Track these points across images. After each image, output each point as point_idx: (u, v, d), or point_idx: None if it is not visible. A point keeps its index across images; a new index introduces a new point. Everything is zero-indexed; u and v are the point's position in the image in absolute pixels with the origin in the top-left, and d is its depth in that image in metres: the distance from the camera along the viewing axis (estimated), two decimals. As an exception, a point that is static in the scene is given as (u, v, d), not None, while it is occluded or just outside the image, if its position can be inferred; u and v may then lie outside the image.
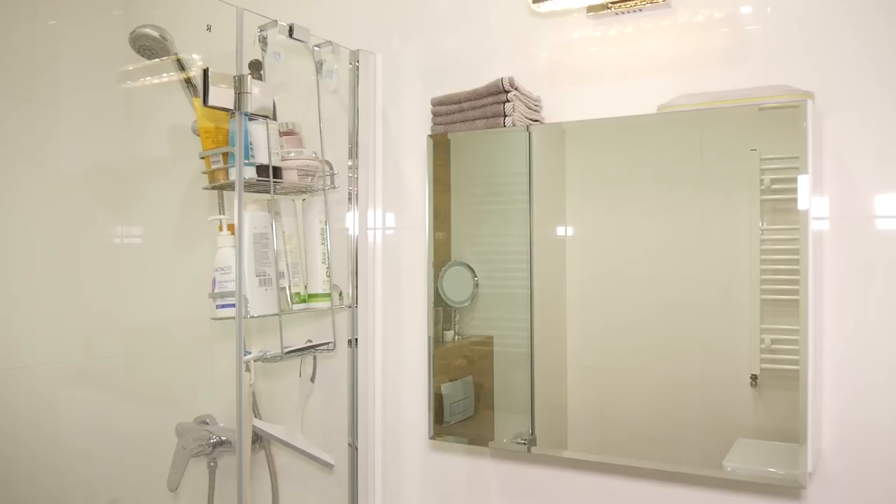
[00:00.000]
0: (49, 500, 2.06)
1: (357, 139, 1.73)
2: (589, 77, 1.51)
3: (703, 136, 1.35)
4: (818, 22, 1.31)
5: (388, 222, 1.76)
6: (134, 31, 1.79)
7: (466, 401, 1.62)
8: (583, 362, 1.50)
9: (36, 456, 2.03)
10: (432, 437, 1.58)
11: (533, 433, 1.51)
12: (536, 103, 1.51)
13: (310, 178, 1.65)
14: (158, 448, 2.09)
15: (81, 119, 2.14)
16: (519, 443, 1.51)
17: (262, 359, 1.56)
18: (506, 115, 1.43)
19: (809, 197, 1.19)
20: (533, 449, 1.50)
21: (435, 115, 1.54)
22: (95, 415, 2.17)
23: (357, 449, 1.74)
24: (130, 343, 2.23)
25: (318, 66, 1.70)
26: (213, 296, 1.53)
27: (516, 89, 1.45)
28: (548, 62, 1.55)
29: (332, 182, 1.71)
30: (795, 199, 1.21)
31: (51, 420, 2.07)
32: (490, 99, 1.45)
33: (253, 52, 1.58)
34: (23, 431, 2.01)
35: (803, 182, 1.20)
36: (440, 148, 1.56)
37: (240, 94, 1.44)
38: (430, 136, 1.55)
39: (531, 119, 1.49)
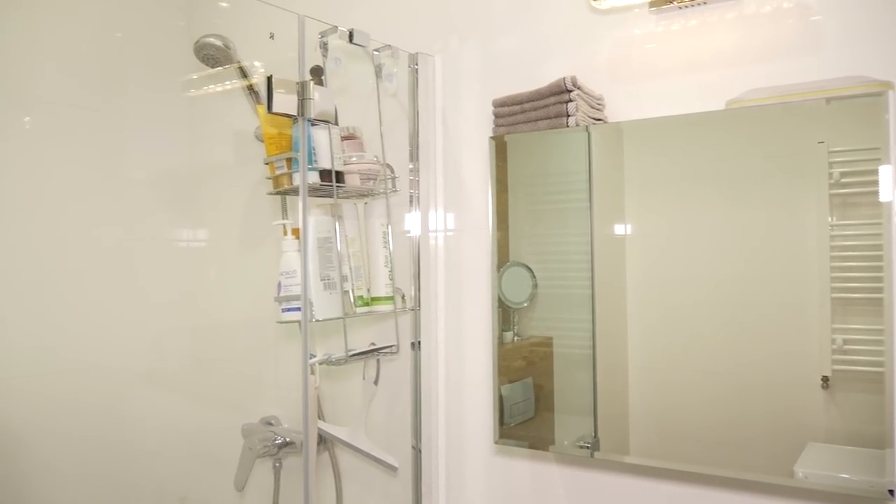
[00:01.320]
0: (121, 497, 2.12)
1: (417, 142, 1.73)
2: (652, 73, 1.48)
3: (766, 129, 1.31)
4: (891, 8, 1.26)
5: (449, 224, 1.76)
6: (198, 41, 1.83)
7: (526, 403, 1.60)
8: (644, 363, 1.47)
9: (109, 454, 2.09)
10: (497, 442, 1.57)
11: (596, 436, 1.49)
12: (599, 102, 1.49)
13: (371, 181, 1.66)
14: (225, 448, 2.13)
15: (148, 127, 2.19)
16: (582, 446, 1.49)
17: (327, 362, 1.57)
18: (569, 115, 1.42)
19: (894, 188, 1.14)
20: (596, 454, 1.48)
21: (497, 116, 1.53)
22: (164, 415, 2.22)
23: (420, 451, 1.74)
24: (197, 345, 2.27)
25: (378, 69, 1.71)
26: (279, 300, 1.54)
27: (579, 88, 1.43)
28: (609, 59, 1.53)
29: (394, 185, 1.71)
30: (869, 192, 1.16)
31: (122, 420, 2.12)
32: (553, 99, 1.44)
33: (314, 58, 1.59)
34: (96, 431, 2.07)
35: (885, 173, 1.15)
36: (497, 148, 1.55)
37: (302, 100, 1.46)
38: (492, 137, 1.55)
39: (594, 118, 1.47)
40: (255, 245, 2.12)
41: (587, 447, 1.48)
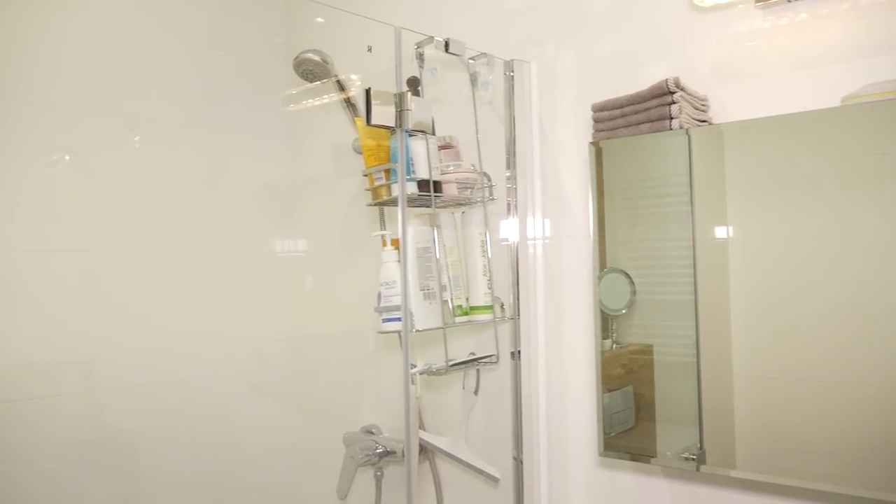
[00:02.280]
0: (227, 503, 2.18)
1: (514, 149, 1.72)
2: (759, 72, 1.41)
3: (880, 126, 1.23)
4: None
5: (547, 231, 1.73)
6: (297, 57, 1.87)
7: (626, 412, 1.56)
8: (749, 371, 1.40)
9: (215, 461, 2.16)
10: (602, 454, 1.53)
11: (702, 448, 1.42)
12: (703, 103, 1.44)
13: (469, 190, 1.65)
14: (327, 456, 2.16)
15: (250, 142, 2.26)
16: (687, 458, 1.43)
17: (428, 372, 1.57)
18: (672, 118, 1.37)
19: None
20: (702, 467, 1.42)
21: (596, 121, 1.50)
22: (268, 423, 2.28)
23: (522, 462, 1.72)
24: (298, 354, 2.32)
25: (473, 78, 1.71)
26: (379, 310, 1.55)
27: (682, 90, 1.38)
28: (712, 59, 1.47)
29: (491, 193, 1.70)
30: None
31: (228, 427, 2.19)
32: (655, 101, 1.39)
33: (410, 69, 1.60)
34: (204, 437, 2.14)
35: None
36: (596, 153, 1.52)
37: (400, 111, 1.46)
38: (591, 143, 1.51)
39: (698, 120, 1.42)
40: (353, 256, 2.14)
41: (692, 459, 1.43)
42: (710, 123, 1.43)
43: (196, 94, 2.16)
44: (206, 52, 2.20)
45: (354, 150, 1.96)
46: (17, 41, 1.83)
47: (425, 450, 1.86)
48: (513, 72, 1.72)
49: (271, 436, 2.28)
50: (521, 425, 1.72)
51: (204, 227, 2.15)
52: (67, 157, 1.91)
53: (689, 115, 1.39)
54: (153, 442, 2.04)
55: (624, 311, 1.54)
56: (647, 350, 1.52)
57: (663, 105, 1.38)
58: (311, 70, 1.87)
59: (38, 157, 1.86)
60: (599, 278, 1.54)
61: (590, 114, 1.53)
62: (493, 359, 1.70)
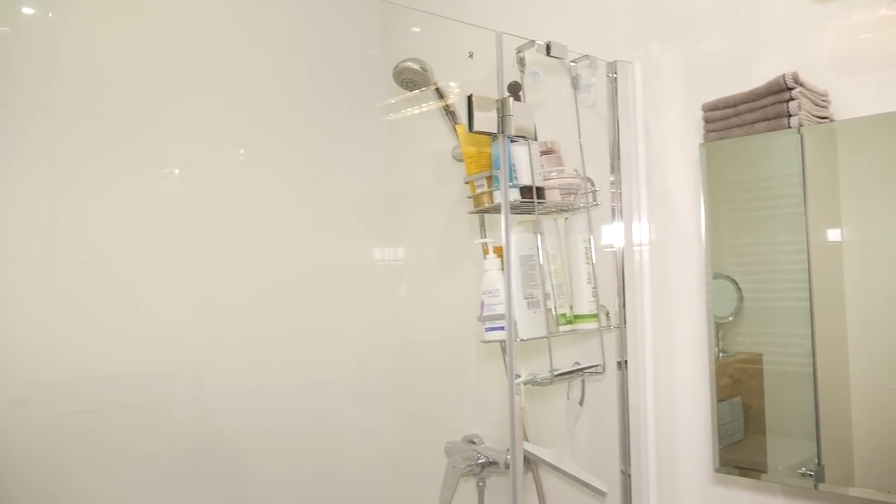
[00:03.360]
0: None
1: (618, 153, 1.67)
2: (884, 64, 1.32)
3: None
4: None
5: (654, 237, 1.67)
6: (397, 66, 1.88)
7: (734, 424, 1.48)
8: (867, 382, 1.30)
9: (319, 467, 2.18)
10: (718, 470, 1.46)
11: (820, 464, 1.33)
12: (823, 98, 1.35)
13: (572, 196, 1.61)
14: (428, 464, 2.15)
15: (349, 152, 2.29)
16: (804, 474, 1.34)
17: (532, 382, 1.54)
18: (790, 115, 1.30)
19: None
20: (820, 485, 1.33)
21: (707, 121, 1.43)
22: (369, 430, 2.29)
23: (630, 476, 1.66)
24: (399, 362, 2.33)
25: (575, 81, 1.67)
26: (482, 319, 1.53)
27: (801, 85, 1.30)
28: (831, 51, 1.38)
29: (595, 198, 1.66)
30: None
31: (331, 434, 2.21)
32: (771, 98, 1.32)
33: (510, 74, 1.58)
34: (307, 444, 2.17)
35: None
36: (707, 155, 1.45)
37: (502, 116, 1.44)
38: (702, 144, 1.45)
39: (818, 116, 1.34)
40: (453, 264, 2.14)
41: (810, 476, 1.34)
42: (832, 120, 1.35)
43: (297, 107, 2.20)
44: (306, 65, 2.24)
45: (454, 157, 1.95)
46: (131, 63, 1.91)
47: (528, 461, 1.83)
48: (616, 73, 1.67)
49: (372, 444, 2.29)
50: (628, 437, 1.66)
51: (305, 236, 2.19)
52: (177, 172, 1.98)
53: (809, 112, 1.31)
54: (259, 448, 2.08)
55: (730, 319, 1.46)
56: (756, 359, 1.44)
57: (781, 102, 1.31)
58: (411, 79, 1.88)
59: (150, 172, 1.93)
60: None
61: (698, 114, 1.47)
62: (599, 368, 1.65)
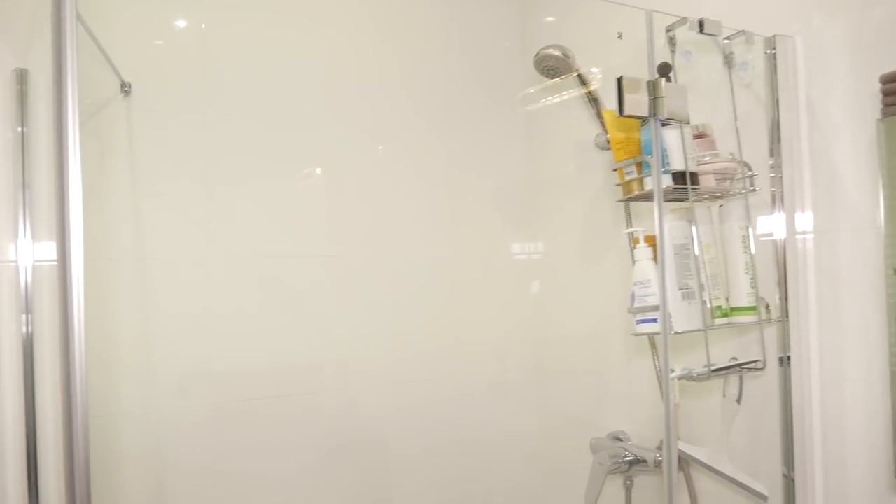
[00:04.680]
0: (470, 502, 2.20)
1: (778, 134, 1.56)
2: None
3: None
4: None
5: (819, 224, 1.55)
6: (538, 54, 1.84)
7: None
8: None
9: (458, 461, 2.18)
10: (899, 477, 1.33)
11: None
12: None
13: (728, 181, 1.52)
14: (571, 461, 2.11)
15: (488, 144, 2.27)
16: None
17: (687, 377, 1.46)
18: None
19: None
20: None
21: (886, 94, 1.31)
22: (511, 426, 2.27)
23: (793, 481, 1.55)
24: (540, 357, 2.29)
25: (729, 59, 1.58)
26: (633, 311, 1.47)
27: None
28: None
29: (752, 184, 1.56)
30: None
31: (472, 429, 2.20)
32: (963, 66, 1.19)
33: (660, 55, 1.50)
34: (449, 438, 2.17)
35: None
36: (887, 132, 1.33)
37: (654, 99, 1.38)
38: (880, 120, 1.33)
39: None
40: (596, 256, 2.07)
41: None
42: None
43: (435, 102, 2.20)
44: (443, 59, 2.24)
45: (597, 146, 1.90)
46: (275, 66, 1.97)
47: (680, 461, 1.75)
48: (774, 49, 1.56)
49: (514, 439, 2.27)
50: (791, 439, 1.56)
51: (445, 230, 2.19)
52: (319, 171, 2.03)
53: None
54: (401, 440, 2.10)
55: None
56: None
57: (975, 70, 1.18)
58: (553, 66, 1.83)
59: (293, 171, 1.98)
60: (887, 276, 1.35)
61: (872, 88, 1.35)
62: (759, 364, 1.55)
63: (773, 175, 1.57)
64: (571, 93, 1.96)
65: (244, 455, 1.87)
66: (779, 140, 1.56)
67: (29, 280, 1.63)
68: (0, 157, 1.62)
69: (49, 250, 1.64)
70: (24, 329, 1.61)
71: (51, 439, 1.62)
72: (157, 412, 1.78)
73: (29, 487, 1.59)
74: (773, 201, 1.57)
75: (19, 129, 1.64)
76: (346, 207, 2.05)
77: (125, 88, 1.77)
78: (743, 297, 1.54)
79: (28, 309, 1.62)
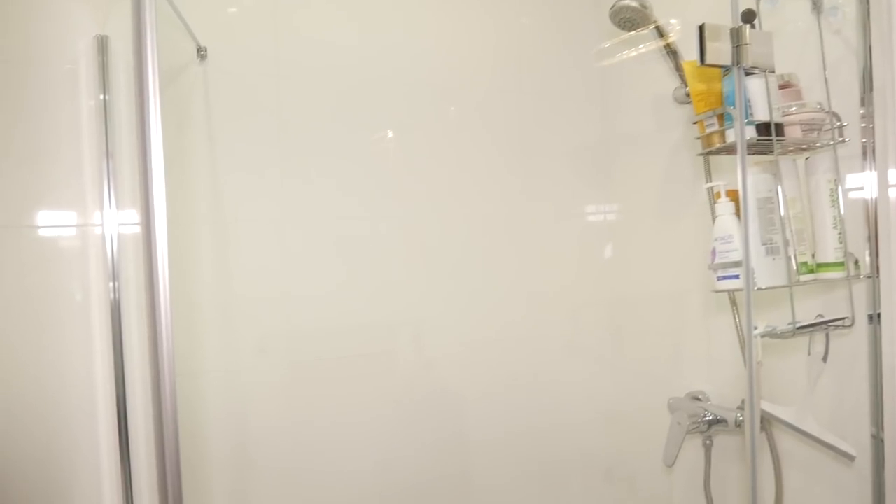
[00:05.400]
0: (548, 464, 2.21)
1: (870, 83, 1.48)
2: None
3: None
4: None
5: (913, 176, 1.48)
6: (614, 6, 1.79)
7: None
8: None
9: (533, 422, 2.19)
10: None
11: None
12: None
13: (815, 132, 1.46)
14: (648, 421, 2.09)
15: (561, 104, 2.23)
16: None
17: (771, 334, 1.42)
18: None
19: None
20: None
21: None
22: (586, 386, 2.26)
23: (883, 441, 1.50)
24: (615, 317, 2.27)
25: (817, 4, 1.50)
26: (714, 267, 1.44)
27: None
28: None
29: (841, 134, 1.49)
30: None
31: (547, 390, 2.21)
32: None
33: (743, 1, 1.44)
34: (520, 399, 2.18)
35: None
36: None
37: (737, 46, 1.32)
38: (984, 62, 1.25)
39: None
40: (673, 213, 2.03)
41: None
42: None
43: (506, 60, 2.18)
44: (514, 15, 2.20)
45: (675, 100, 1.85)
46: (347, 27, 1.97)
47: (762, 420, 1.71)
48: (868, -8, 1.49)
49: (590, 399, 2.26)
50: (881, 398, 1.50)
51: (519, 190, 2.18)
52: (391, 134, 2.03)
53: None
54: (476, 401, 2.11)
55: None
56: None
57: None
58: (629, 18, 1.78)
59: (367, 135, 1.99)
60: None
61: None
62: (847, 321, 1.50)
63: (864, 125, 1.50)
64: (648, 46, 1.91)
65: (322, 413, 1.91)
66: (871, 89, 1.48)
67: (115, 248, 1.68)
68: (84, 124, 1.67)
69: (133, 217, 1.69)
70: (111, 296, 1.68)
71: (139, 398, 1.69)
72: (239, 372, 1.83)
73: (120, 443, 1.67)
74: (864, 153, 1.50)
75: (101, 96, 1.68)
76: (419, 169, 2.05)
77: (201, 53, 1.80)
78: (830, 253, 1.49)
79: (115, 277, 1.68)
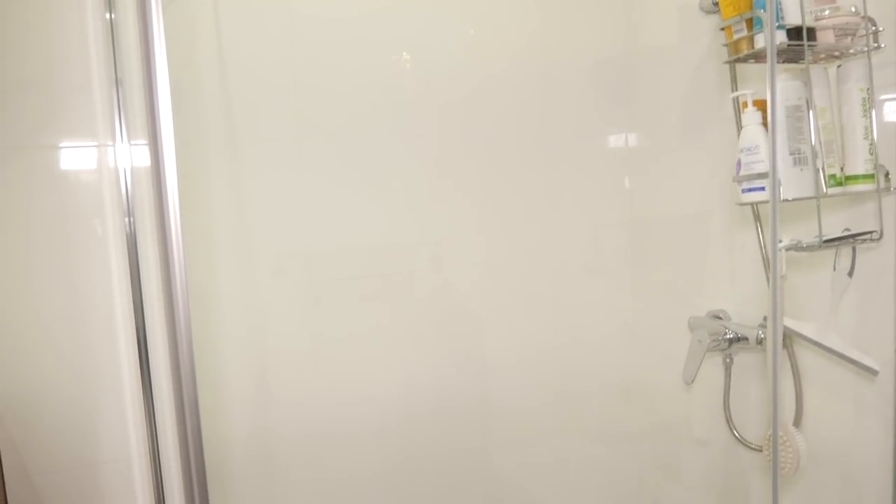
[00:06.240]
0: (566, 383, 2.22)
1: (909, -16, 1.41)
2: None
3: None
4: None
5: (950, 83, 1.42)
6: None
7: None
8: None
9: (552, 343, 2.19)
10: None
11: None
12: None
13: (849, 37, 1.40)
14: (668, 340, 2.08)
15: (580, 16, 2.16)
16: None
17: (796, 247, 1.39)
18: None
19: None
20: None
21: None
22: (606, 306, 2.25)
23: (906, 356, 1.49)
24: (637, 237, 2.24)
25: None
26: (739, 179, 1.40)
27: None
28: None
29: (876, 40, 1.43)
30: None
31: (565, 309, 2.20)
32: None
33: None
34: (539, 318, 2.17)
35: None
36: None
37: (768, -55, 1.26)
38: None
39: None
40: (696, 127, 1.97)
41: None
42: None
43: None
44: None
45: (702, 9, 1.77)
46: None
47: (784, 337, 1.70)
48: None
49: (609, 318, 2.25)
50: (907, 314, 1.48)
51: (537, 106, 2.12)
52: (406, 55, 1.97)
53: None
54: (495, 321, 2.11)
55: None
56: None
57: None
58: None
59: (387, 55, 1.94)
60: None
61: None
62: (875, 235, 1.46)
63: (900, 30, 1.43)
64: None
65: (339, 333, 1.92)
66: (909, -10, 1.42)
67: (129, 182, 1.65)
68: (91, 48, 1.61)
69: (145, 152, 1.66)
70: (127, 230, 1.65)
71: (158, 325, 1.69)
72: (256, 293, 1.84)
73: (140, 365, 1.68)
74: (900, 60, 1.44)
75: (108, 15, 1.62)
76: (435, 92, 2.00)
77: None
78: (860, 165, 1.44)
79: (130, 212, 1.65)
